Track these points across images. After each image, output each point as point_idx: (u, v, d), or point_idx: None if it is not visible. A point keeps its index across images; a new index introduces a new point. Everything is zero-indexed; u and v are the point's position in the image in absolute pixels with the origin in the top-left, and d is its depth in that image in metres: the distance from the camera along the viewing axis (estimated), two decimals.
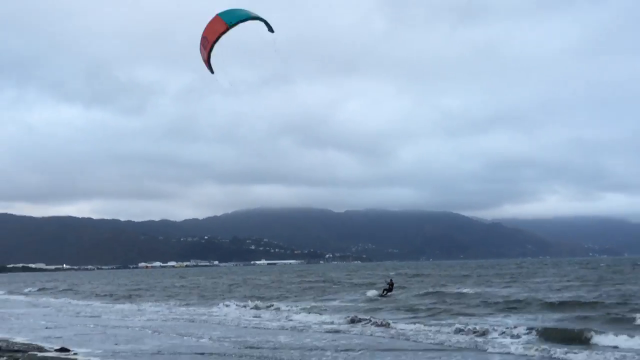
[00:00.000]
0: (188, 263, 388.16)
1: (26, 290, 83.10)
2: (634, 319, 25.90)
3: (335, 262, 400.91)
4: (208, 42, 12.66)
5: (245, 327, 29.62)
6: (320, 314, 34.46)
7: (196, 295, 58.98)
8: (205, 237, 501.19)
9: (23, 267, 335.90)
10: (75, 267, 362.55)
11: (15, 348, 20.93)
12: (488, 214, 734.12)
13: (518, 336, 22.73)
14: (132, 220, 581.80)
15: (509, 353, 19.07)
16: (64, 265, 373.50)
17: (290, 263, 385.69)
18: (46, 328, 30.05)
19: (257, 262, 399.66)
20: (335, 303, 42.82)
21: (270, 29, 12.67)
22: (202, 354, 20.16)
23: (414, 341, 22.56)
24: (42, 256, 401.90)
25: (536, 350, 19.16)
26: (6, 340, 23.58)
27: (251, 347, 21.49)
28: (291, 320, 32.54)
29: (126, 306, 48.66)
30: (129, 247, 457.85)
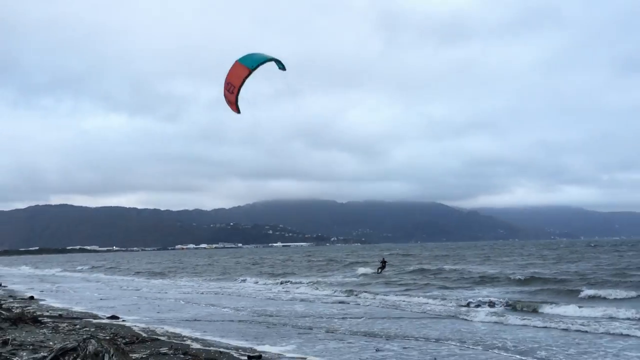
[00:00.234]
0: (217, 245, 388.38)
1: (78, 268, 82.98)
2: (579, 292, 26.18)
3: (339, 244, 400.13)
4: (234, 87, 12.23)
5: (263, 298, 29.69)
6: (324, 288, 34.51)
7: (221, 272, 59.07)
8: (231, 224, 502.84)
9: (80, 248, 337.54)
10: (123, 249, 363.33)
11: (74, 316, 21.14)
12: (466, 204, 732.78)
13: (491, 305, 22.86)
14: (170, 209, 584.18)
15: (482, 321, 19.09)
16: (114, 247, 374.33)
17: (301, 245, 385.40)
18: (101, 299, 30.18)
19: (274, 244, 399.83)
20: (336, 279, 42.79)
21: (283, 68, 12.27)
22: (232, 320, 20.28)
23: (405, 310, 22.61)
24: (96, 239, 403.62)
25: (502, 317, 19.28)
26: (66, 310, 23.79)
27: (270, 315, 21.59)
28: (300, 293, 32.65)
29: (161, 281, 48.82)
30: (167, 232, 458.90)
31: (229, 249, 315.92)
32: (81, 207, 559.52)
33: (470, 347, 14.15)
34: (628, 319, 18.21)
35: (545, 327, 17.01)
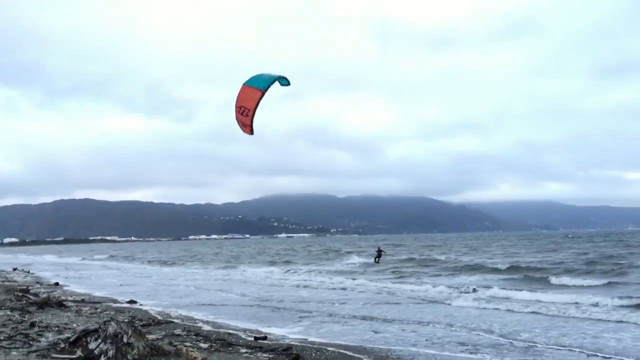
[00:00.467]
0: (226, 236, 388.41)
1: (96, 256, 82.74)
2: (558, 279, 26.32)
3: (338, 235, 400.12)
4: (249, 110, 11.49)
5: (267, 285, 29.68)
6: (324, 276, 34.48)
7: (228, 260, 59.00)
8: (239, 217, 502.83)
9: (101, 239, 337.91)
10: (140, 239, 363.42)
11: (95, 300, 21.15)
12: (455, 198, 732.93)
13: (474, 291, 22.87)
14: (184, 203, 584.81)
15: (468, 306, 19.09)
16: (132, 237, 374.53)
17: (303, 236, 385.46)
18: (120, 285, 30.16)
19: (279, 235, 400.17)
20: (335, 267, 42.72)
21: (288, 83, 11.64)
22: (239, 305, 20.27)
23: (400, 296, 22.57)
24: (115, 231, 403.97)
25: (487, 302, 19.28)
26: (88, 295, 23.81)
27: (275, 300, 21.54)
28: (302, 279, 32.58)
29: (173, 269, 48.70)
30: (181, 223, 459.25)
31: (237, 240, 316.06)
32: (102, 201, 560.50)
33: (458, 329, 14.14)
34: (594, 304, 18.00)
35: (529, 312, 16.97)
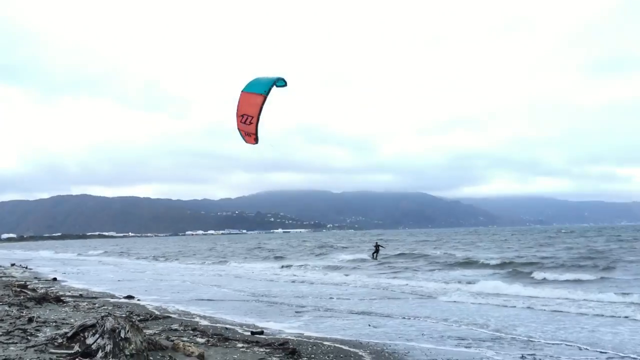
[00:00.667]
0: (223, 231, 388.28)
1: (90, 252, 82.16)
2: (541, 274, 26.54)
3: (334, 231, 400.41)
4: (252, 117, 10.52)
5: (263, 280, 29.71)
6: (320, 271, 34.52)
7: (224, 255, 58.89)
8: (236, 212, 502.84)
9: (99, 234, 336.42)
10: (138, 235, 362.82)
11: (93, 295, 21.12)
12: (449, 194, 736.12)
13: (469, 283, 22.97)
14: (181, 199, 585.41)
15: (461, 302, 19.15)
16: (130, 233, 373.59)
17: (300, 231, 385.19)
18: (118, 281, 30.07)
19: (275, 230, 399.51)
20: (329, 262, 42.54)
21: (285, 84, 10.71)
22: (235, 300, 20.28)
23: (395, 291, 22.60)
24: (113, 226, 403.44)
25: (481, 297, 19.37)
26: (86, 290, 23.76)
27: (271, 296, 21.55)
28: (298, 275, 32.61)
29: (170, 264, 48.74)
30: (178, 219, 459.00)
31: (234, 235, 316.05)
32: (99, 197, 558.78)
33: (452, 324, 14.17)
34: (585, 300, 18.03)
35: (524, 307, 16.98)
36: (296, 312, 16.75)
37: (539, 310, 16.31)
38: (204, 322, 14.22)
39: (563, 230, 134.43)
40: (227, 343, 11.01)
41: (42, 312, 14.48)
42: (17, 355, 8.66)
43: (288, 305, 18.51)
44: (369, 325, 13.98)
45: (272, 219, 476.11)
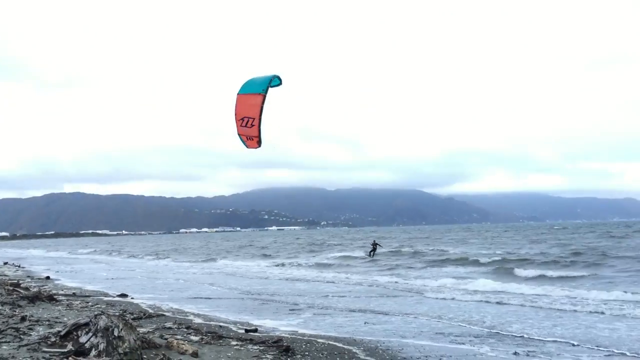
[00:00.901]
0: (217, 229, 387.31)
1: (81, 251, 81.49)
2: (535, 270, 26.61)
3: (329, 228, 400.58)
4: (253, 119, 9.80)
5: (257, 278, 29.69)
6: (312, 269, 34.52)
7: (218, 253, 58.71)
8: (230, 209, 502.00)
9: (92, 232, 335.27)
10: (131, 233, 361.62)
11: (86, 294, 21.04)
12: (443, 191, 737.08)
13: (462, 280, 23.02)
14: (175, 197, 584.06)
15: (455, 299, 19.20)
16: (123, 231, 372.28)
17: (294, 229, 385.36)
18: (111, 279, 29.89)
19: (269, 228, 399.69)
20: (322, 260, 42.37)
21: (280, 82, 10.01)
22: (229, 298, 20.25)
23: (388, 289, 22.61)
24: (106, 224, 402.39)
25: (476, 294, 19.44)
26: (79, 288, 23.66)
27: (265, 293, 21.51)
28: (292, 273, 32.60)
29: (162, 262, 48.70)
30: (172, 217, 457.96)
31: (227, 233, 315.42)
32: (93, 194, 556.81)
33: (447, 320, 14.21)
34: (584, 297, 18.11)
35: (519, 304, 17.02)
36: (290, 310, 16.74)
37: (534, 307, 16.35)
38: (198, 320, 14.19)
39: (556, 227, 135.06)
40: (221, 341, 10.98)
41: (35, 310, 14.40)
42: (9, 354, 8.60)
43: (282, 302, 18.50)
44: (364, 323, 13.97)
45: (266, 217, 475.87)
